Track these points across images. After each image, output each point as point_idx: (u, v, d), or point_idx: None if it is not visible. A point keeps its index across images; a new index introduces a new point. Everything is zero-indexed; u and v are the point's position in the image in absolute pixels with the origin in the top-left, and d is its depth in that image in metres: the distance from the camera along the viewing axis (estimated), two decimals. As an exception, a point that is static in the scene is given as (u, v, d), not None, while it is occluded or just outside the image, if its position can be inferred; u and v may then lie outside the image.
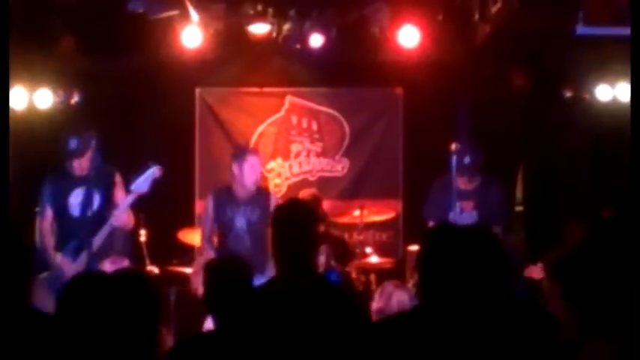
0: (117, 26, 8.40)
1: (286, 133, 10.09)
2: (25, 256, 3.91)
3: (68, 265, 7.15)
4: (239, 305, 4.25)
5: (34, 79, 9.00)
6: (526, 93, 9.32)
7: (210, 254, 7.39)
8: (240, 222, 7.51)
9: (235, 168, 7.57)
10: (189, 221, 9.38)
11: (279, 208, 4.72)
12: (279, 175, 9.99)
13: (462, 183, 7.65)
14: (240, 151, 7.90)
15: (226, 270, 4.42)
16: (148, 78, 9.29)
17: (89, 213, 7.35)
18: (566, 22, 7.83)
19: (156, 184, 7.25)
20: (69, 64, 8.92)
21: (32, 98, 9.11)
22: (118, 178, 7.44)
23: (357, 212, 8.97)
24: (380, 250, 9.19)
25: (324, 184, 9.94)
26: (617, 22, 7.61)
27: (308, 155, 10.13)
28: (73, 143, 7.38)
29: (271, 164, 9.96)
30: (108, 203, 7.38)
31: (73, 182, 7.41)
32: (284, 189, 9.91)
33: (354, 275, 8.49)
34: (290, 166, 10.11)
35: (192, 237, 8.52)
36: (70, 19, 8.46)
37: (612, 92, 9.21)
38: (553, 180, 9.54)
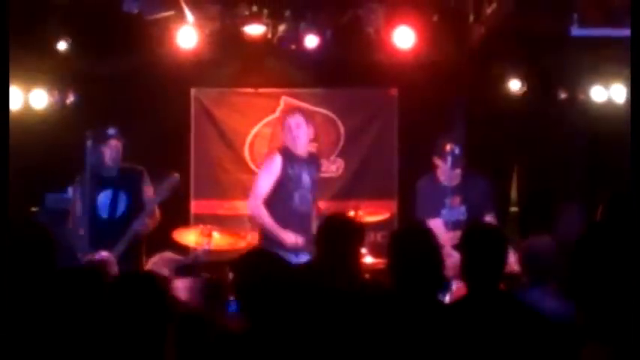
0: (112, 27, 8.41)
1: (281, 133, 10.08)
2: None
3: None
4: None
5: (29, 80, 9.00)
6: (521, 94, 9.32)
7: (267, 220, 7.67)
8: (305, 179, 7.69)
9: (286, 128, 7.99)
10: (184, 221, 9.37)
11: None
12: (274, 175, 9.97)
13: (446, 180, 7.68)
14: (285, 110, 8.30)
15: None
16: (144, 78, 9.29)
17: (116, 214, 7.66)
18: (560, 23, 7.85)
19: (175, 191, 7.65)
20: (64, 64, 8.93)
21: (27, 98, 9.11)
22: (146, 178, 7.71)
23: (351, 213, 8.96)
24: (374, 251, 9.16)
25: (319, 184, 9.91)
26: (611, 24, 7.63)
27: (303, 156, 10.12)
28: (111, 129, 7.69)
29: (266, 164, 9.94)
30: (135, 204, 7.65)
31: (102, 183, 7.65)
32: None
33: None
34: (285, 167, 10.10)
35: (187, 237, 8.52)
36: (65, 19, 8.46)
37: (607, 93, 9.22)
38: (548, 181, 9.55)
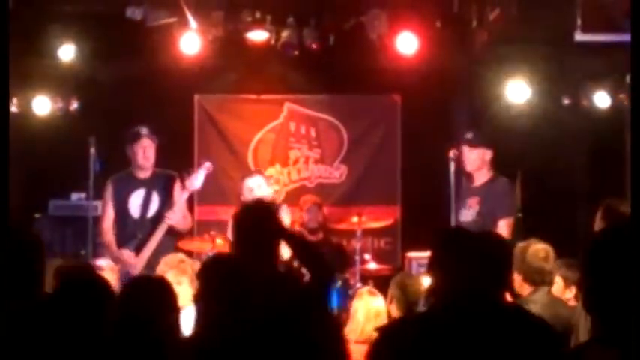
0: (116, 33, 8.42)
1: (284, 140, 10.10)
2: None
3: (131, 258, 7.50)
4: None
5: (32, 86, 9.01)
6: (524, 100, 9.31)
7: None
8: None
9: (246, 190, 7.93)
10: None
11: None
12: (277, 181, 9.98)
13: (475, 180, 7.71)
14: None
15: None
16: (147, 85, 9.29)
17: (148, 215, 7.72)
18: (563, 28, 7.84)
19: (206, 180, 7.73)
20: (68, 70, 8.93)
21: (31, 105, 9.12)
22: (178, 183, 7.78)
23: (355, 219, 8.96)
24: (378, 257, 9.19)
25: (323, 190, 9.94)
26: (615, 29, 7.61)
27: (306, 162, 10.13)
28: (144, 129, 7.78)
29: (269, 171, 9.95)
30: (166, 206, 7.72)
31: (135, 184, 7.75)
32: (282, 196, 9.90)
33: (352, 282, 8.48)
34: (288, 173, 10.11)
35: (192, 245, 8.51)
36: (68, 25, 8.47)
37: (610, 99, 9.21)
38: (552, 187, 9.53)
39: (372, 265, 8.71)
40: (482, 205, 7.59)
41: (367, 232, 9.30)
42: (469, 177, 7.80)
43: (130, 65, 8.89)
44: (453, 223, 7.51)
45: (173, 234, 7.84)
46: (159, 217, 7.67)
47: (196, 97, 9.97)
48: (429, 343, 3.49)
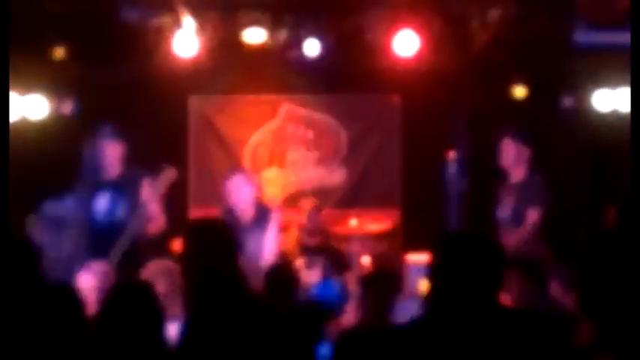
0: (110, 34, 8.39)
1: (282, 141, 10.05)
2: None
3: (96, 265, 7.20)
4: None
5: (26, 88, 8.97)
6: (524, 101, 9.27)
7: None
8: (251, 246, 7.32)
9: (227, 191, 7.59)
10: (183, 228, 9.31)
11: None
12: (275, 184, 9.92)
13: (511, 177, 7.78)
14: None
15: None
16: (142, 86, 9.26)
17: (114, 218, 7.46)
18: (564, 29, 7.81)
19: (171, 186, 7.33)
20: (62, 72, 8.89)
21: (25, 107, 9.08)
22: (146, 183, 7.42)
23: (354, 221, 8.92)
24: (377, 260, 9.14)
25: (321, 192, 9.88)
26: (615, 30, 7.58)
27: (304, 164, 10.08)
28: (104, 128, 7.50)
29: (267, 173, 9.90)
30: (133, 208, 7.40)
31: (102, 186, 7.49)
32: (280, 198, 9.84)
33: (350, 286, 8.42)
34: (286, 175, 10.06)
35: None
36: (63, 27, 8.43)
37: (611, 100, 9.16)
38: (552, 189, 9.48)
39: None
40: (517, 201, 7.66)
41: (366, 235, 9.26)
42: (505, 173, 7.85)
43: (124, 66, 8.84)
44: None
45: (144, 238, 7.53)
46: (127, 221, 7.37)
47: (192, 98, 9.92)
48: (430, 346, 3.46)
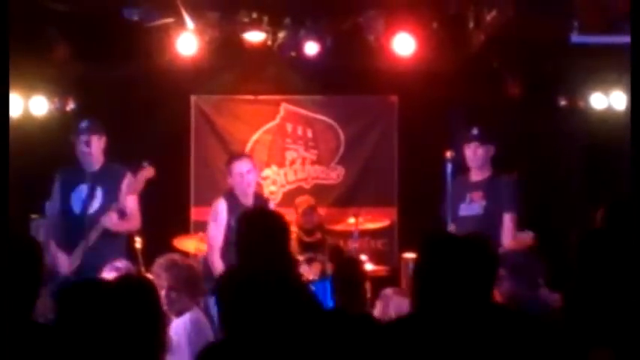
0: (112, 34, 8.40)
1: (281, 140, 10.09)
2: (35, 268, 3.83)
3: (64, 262, 7.12)
4: None
5: (29, 87, 9.00)
6: (521, 101, 9.32)
7: (220, 270, 6.96)
8: None
9: (236, 175, 7.52)
10: (184, 228, 9.37)
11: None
12: (274, 182, 9.95)
13: (474, 175, 7.63)
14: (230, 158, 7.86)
15: None
16: (143, 85, 9.29)
17: (90, 210, 7.29)
18: (561, 30, 7.83)
19: (149, 184, 7.23)
20: (64, 71, 8.92)
21: (27, 105, 9.12)
22: (127, 179, 7.30)
23: (351, 220, 8.96)
24: (375, 258, 9.20)
25: (319, 191, 9.94)
26: (611, 31, 7.62)
27: (303, 163, 10.12)
28: (84, 123, 7.40)
29: (266, 172, 9.94)
30: (111, 203, 7.24)
31: (80, 178, 7.36)
32: (279, 196, 9.87)
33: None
34: (285, 174, 10.10)
35: (188, 244, 8.51)
36: (65, 26, 8.46)
37: (607, 100, 9.21)
38: (547, 188, 9.53)
39: (369, 267, 8.70)
40: (487, 199, 7.53)
41: (364, 233, 9.31)
42: (466, 172, 7.71)
43: (126, 65, 8.87)
44: (449, 218, 7.43)
45: (119, 235, 7.40)
46: (100, 215, 7.19)
47: (193, 97, 9.96)
48: (422, 344, 3.48)
